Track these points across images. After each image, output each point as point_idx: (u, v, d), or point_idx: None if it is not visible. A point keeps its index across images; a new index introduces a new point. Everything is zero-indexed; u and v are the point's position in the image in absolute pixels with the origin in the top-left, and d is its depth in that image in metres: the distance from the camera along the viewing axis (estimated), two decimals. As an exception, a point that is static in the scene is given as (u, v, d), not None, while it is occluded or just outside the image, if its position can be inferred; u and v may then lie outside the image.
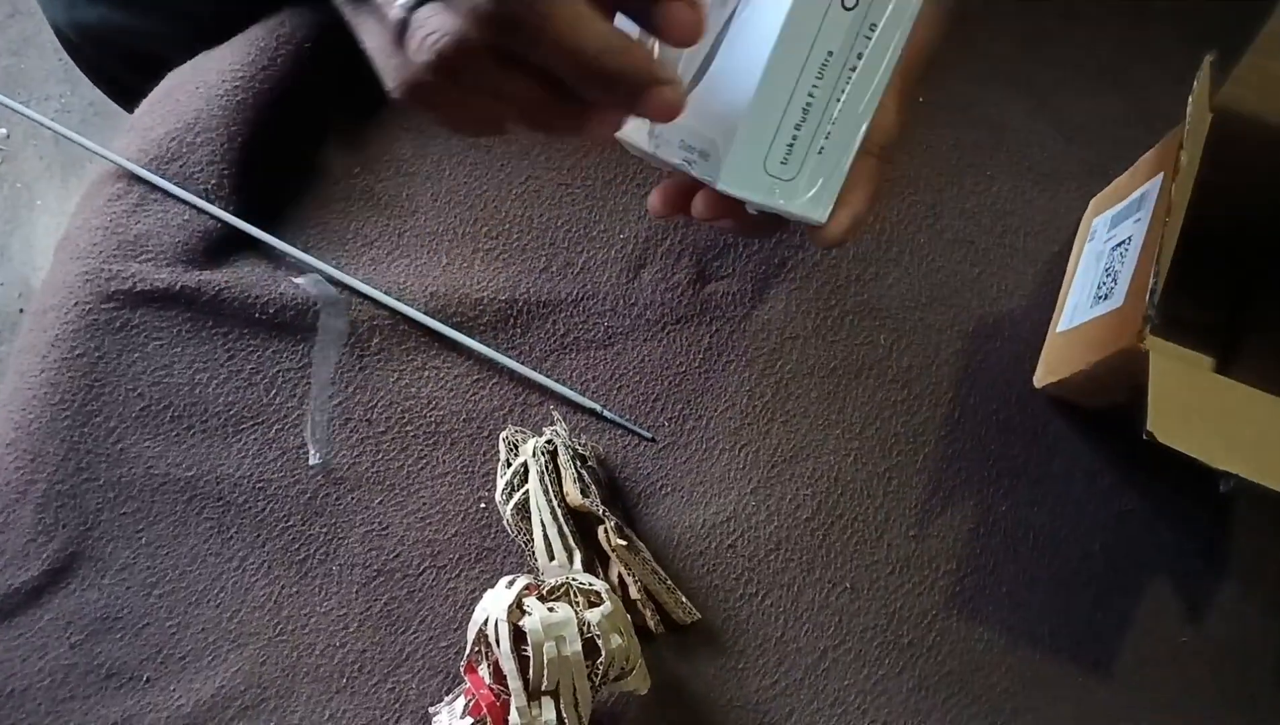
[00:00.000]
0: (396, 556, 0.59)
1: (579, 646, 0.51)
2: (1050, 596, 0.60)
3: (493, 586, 0.54)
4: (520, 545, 0.58)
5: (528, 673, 0.50)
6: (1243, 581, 0.61)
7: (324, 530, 0.59)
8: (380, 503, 0.60)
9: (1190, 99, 0.49)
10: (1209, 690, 0.59)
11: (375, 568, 0.59)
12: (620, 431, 0.62)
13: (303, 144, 0.65)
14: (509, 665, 0.50)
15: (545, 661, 0.50)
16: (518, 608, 0.51)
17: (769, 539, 0.60)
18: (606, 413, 0.61)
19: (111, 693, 0.56)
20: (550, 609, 0.51)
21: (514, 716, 0.50)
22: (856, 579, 0.60)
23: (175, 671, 0.57)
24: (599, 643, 0.51)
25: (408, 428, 0.61)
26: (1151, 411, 0.45)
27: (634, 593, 0.57)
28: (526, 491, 0.57)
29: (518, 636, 0.50)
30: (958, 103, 0.70)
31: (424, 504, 0.60)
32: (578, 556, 0.56)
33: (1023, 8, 0.72)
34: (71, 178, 1.33)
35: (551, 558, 0.56)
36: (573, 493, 0.56)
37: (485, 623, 0.51)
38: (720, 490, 0.61)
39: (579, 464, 0.57)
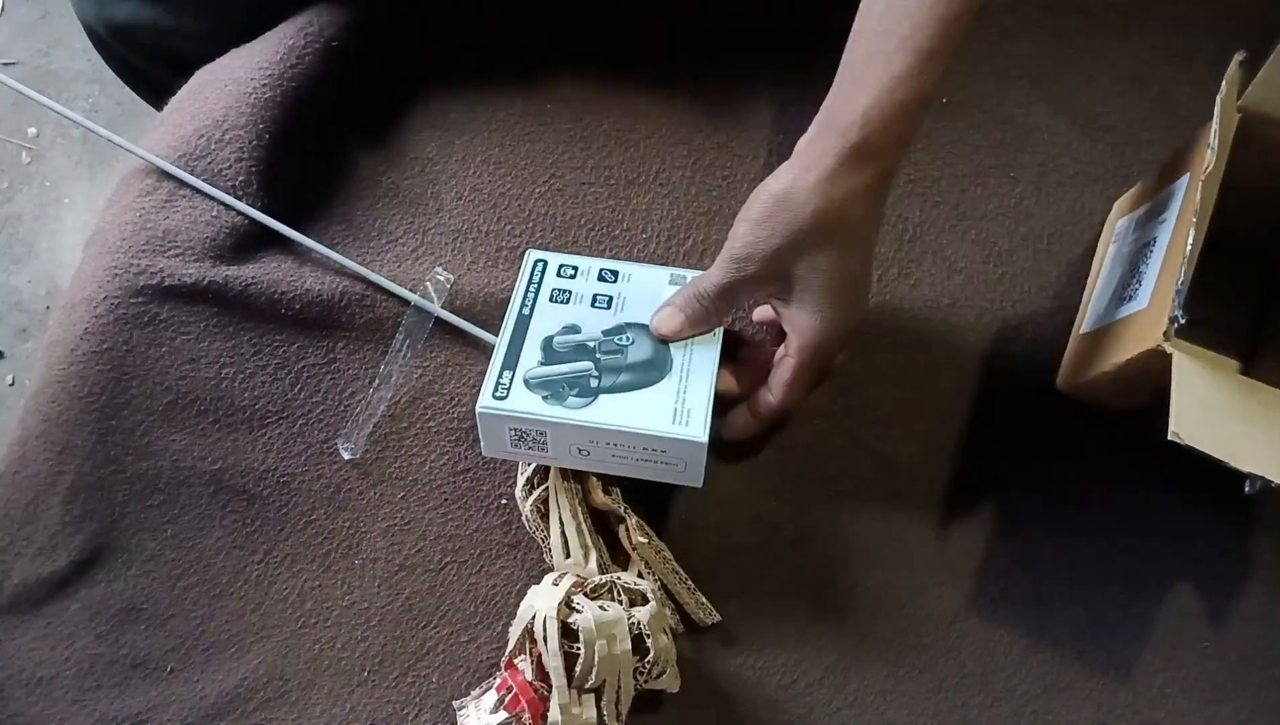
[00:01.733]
0: (418, 551, 0.60)
1: (629, 645, 0.51)
2: (1071, 599, 0.60)
3: (537, 583, 0.54)
4: (538, 541, 0.58)
5: (573, 670, 0.51)
6: (1266, 586, 0.60)
7: (347, 524, 0.60)
8: (403, 498, 0.60)
9: (1218, 98, 0.49)
10: (1231, 695, 0.59)
11: (397, 562, 0.59)
12: (641, 429, 0.62)
13: (329, 142, 0.66)
14: (555, 663, 0.50)
15: (596, 659, 0.50)
16: (567, 605, 0.51)
17: (790, 538, 0.60)
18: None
19: (136, 683, 0.57)
20: (601, 607, 0.51)
21: (554, 713, 0.51)
22: (877, 579, 0.60)
23: (199, 663, 0.58)
24: (647, 641, 0.52)
25: (430, 424, 0.61)
26: (1175, 413, 0.45)
27: (654, 588, 0.57)
28: (546, 488, 0.58)
29: (565, 633, 0.51)
30: (981, 103, 0.70)
31: (446, 499, 0.60)
32: (593, 556, 0.56)
33: (1047, 9, 0.72)
34: (100, 176, 1.35)
35: (567, 555, 0.56)
36: (595, 491, 0.57)
37: (533, 619, 0.51)
38: (741, 489, 0.61)
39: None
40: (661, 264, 0.63)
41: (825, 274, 0.53)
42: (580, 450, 0.55)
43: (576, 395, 0.54)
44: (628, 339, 0.57)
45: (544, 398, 0.54)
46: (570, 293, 0.59)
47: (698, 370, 0.56)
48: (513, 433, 0.54)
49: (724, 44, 0.71)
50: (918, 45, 0.48)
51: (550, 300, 0.59)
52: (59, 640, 0.57)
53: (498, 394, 0.54)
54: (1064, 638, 0.59)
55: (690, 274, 0.59)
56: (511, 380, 0.55)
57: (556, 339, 0.57)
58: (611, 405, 0.54)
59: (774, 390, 0.57)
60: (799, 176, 0.51)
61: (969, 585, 0.60)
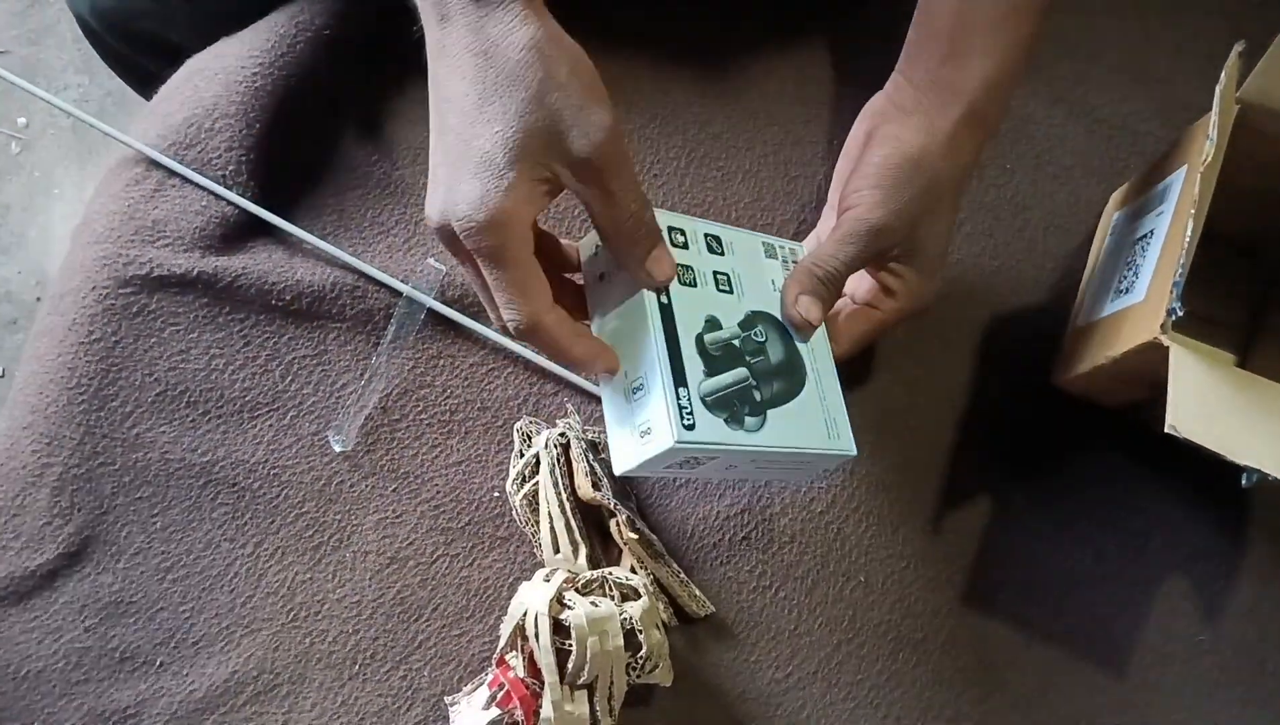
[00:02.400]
0: (410, 544, 0.59)
1: (621, 641, 0.51)
2: (1066, 593, 0.60)
3: (528, 579, 0.54)
4: (528, 535, 0.58)
5: (565, 666, 0.50)
6: (1260, 580, 0.60)
7: (338, 517, 0.59)
8: (394, 490, 0.60)
9: (1217, 90, 0.48)
10: (1225, 689, 0.59)
11: (389, 555, 0.59)
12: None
13: (321, 131, 0.65)
14: (547, 659, 0.50)
15: (589, 656, 0.50)
16: (558, 602, 0.51)
17: (783, 532, 0.60)
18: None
19: (125, 676, 0.57)
20: (593, 603, 0.51)
21: (546, 710, 0.50)
22: (871, 573, 0.60)
23: (188, 656, 0.57)
24: (640, 636, 0.51)
25: (422, 416, 0.61)
26: (1172, 405, 0.44)
27: (645, 583, 0.57)
28: (537, 483, 0.57)
29: (557, 630, 0.50)
30: (978, 96, 0.69)
31: (438, 492, 0.60)
32: (583, 551, 0.56)
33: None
34: (89, 166, 1.34)
35: (557, 550, 0.56)
36: (584, 485, 0.56)
37: (524, 616, 0.51)
38: (734, 483, 0.61)
39: (592, 456, 0.57)
40: (747, 228, 0.55)
41: (941, 238, 0.52)
42: (731, 467, 0.49)
43: (749, 413, 0.46)
44: (761, 335, 0.49)
45: (725, 420, 0.45)
46: (694, 272, 0.49)
47: (823, 367, 0.51)
48: (685, 461, 0.46)
49: (720, 34, 0.70)
50: (1020, 17, 0.50)
51: (679, 281, 0.48)
52: (46, 633, 0.57)
53: (686, 422, 0.44)
54: (1058, 631, 0.59)
55: (785, 243, 0.54)
56: (690, 400, 0.44)
57: (706, 337, 0.47)
58: (780, 423, 0.47)
59: (849, 341, 0.55)
60: (928, 140, 0.50)
61: (963, 579, 0.60)
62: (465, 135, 0.42)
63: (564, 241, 0.51)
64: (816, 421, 0.49)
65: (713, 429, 0.44)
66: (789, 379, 0.49)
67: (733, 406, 0.46)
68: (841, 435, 0.50)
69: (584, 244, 0.50)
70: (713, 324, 0.48)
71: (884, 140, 0.50)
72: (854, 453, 0.50)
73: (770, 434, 0.47)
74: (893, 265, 0.53)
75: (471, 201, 0.41)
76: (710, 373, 0.46)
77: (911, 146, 0.49)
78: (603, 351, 0.46)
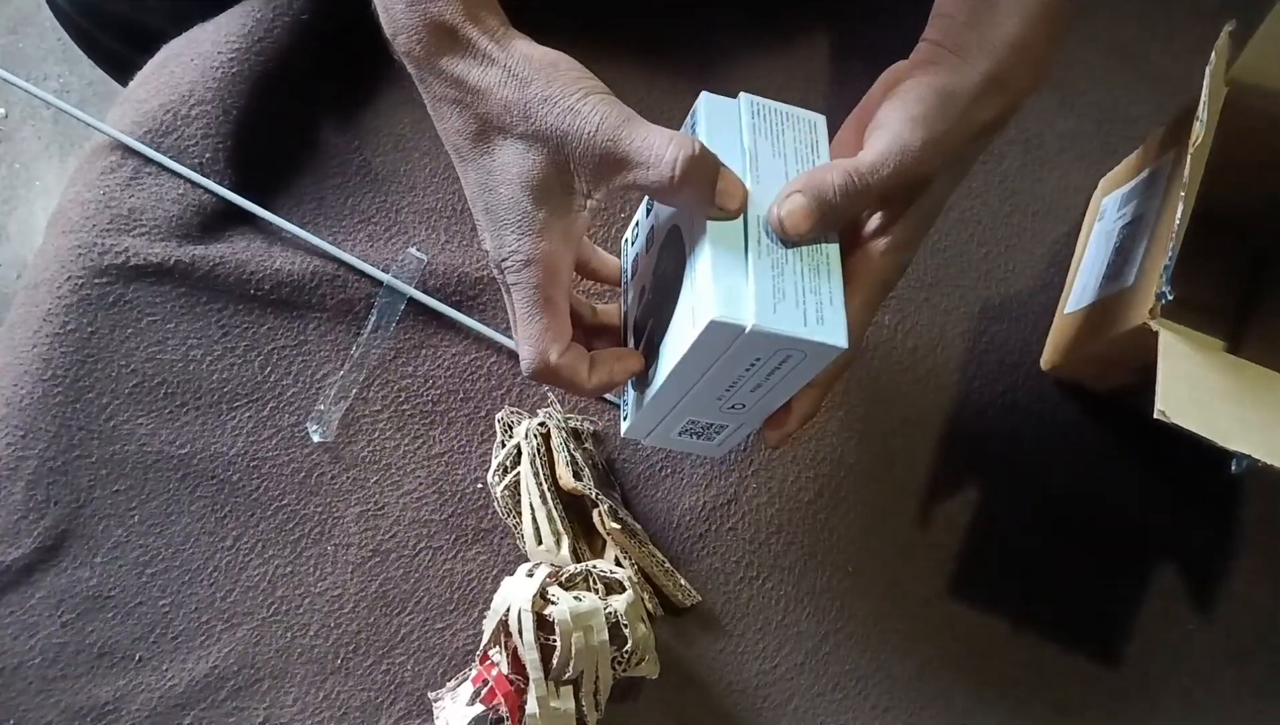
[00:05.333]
0: (392, 537, 0.58)
1: (606, 635, 0.50)
2: (1056, 581, 0.59)
3: (510, 574, 0.53)
4: (510, 527, 0.57)
5: (550, 662, 0.49)
6: (1251, 567, 0.60)
7: (319, 510, 0.59)
8: (376, 482, 0.59)
9: (1207, 70, 0.48)
10: (1216, 678, 0.58)
11: (371, 548, 0.58)
12: (620, 412, 0.61)
13: (299, 118, 0.64)
14: (531, 655, 0.49)
15: (573, 651, 0.49)
16: (542, 597, 0.50)
17: (770, 522, 0.60)
18: (606, 393, 0.60)
19: (103, 672, 0.56)
20: (577, 598, 0.50)
21: (531, 706, 0.50)
22: (859, 563, 0.59)
23: (168, 651, 0.56)
24: (625, 630, 0.51)
25: (404, 407, 0.60)
26: (1161, 390, 0.44)
27: (630, 576, 0.56)
28: (519, 473, 0.56)
29: (541, 625, 0.50)
30: (966, 80, 0.68)
31: (420, 484, 0.59)
32: (565, 541, 0.55)
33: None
34: (70, 157, 1.32)
35: (539, 542, 0.55)
36: (565, 475, 0.55)
37: (507, 612, 0.50)
38: (721, 472, 0.60)
39: (573, 446, 0.56)
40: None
41: (940, 197, 0.45)
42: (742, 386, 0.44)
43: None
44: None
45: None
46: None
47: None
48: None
49: (705, 18, 0.69)
50: None
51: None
52: (22, 629, 0.56)
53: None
54: (1048, 620, 0.59)
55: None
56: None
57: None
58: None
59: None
60: (958, 81, 0.43)
61: (952, 568, 0.60)
62: (487, 184, 0.43)
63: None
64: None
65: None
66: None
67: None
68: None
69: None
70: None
71: (912, 82, 0.44)
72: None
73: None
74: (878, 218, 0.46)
75: (515, 250, 0.43)
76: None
77: (945, 82, 0.43)
78: (615, 377, 0.47)
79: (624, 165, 0.41)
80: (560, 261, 0.44)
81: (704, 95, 0.45)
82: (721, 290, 0.40)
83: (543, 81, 0.41)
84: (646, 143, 0.40)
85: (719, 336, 0.40)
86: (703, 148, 0.40)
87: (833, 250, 0.42)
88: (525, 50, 0.42)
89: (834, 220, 0.42)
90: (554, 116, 0.40)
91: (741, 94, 0.45)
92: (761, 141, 0.44)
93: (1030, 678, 0.58)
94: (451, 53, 0.42)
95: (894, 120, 0.42)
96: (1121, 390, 0.59)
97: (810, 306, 0.41)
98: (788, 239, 0.41)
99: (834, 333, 0.40)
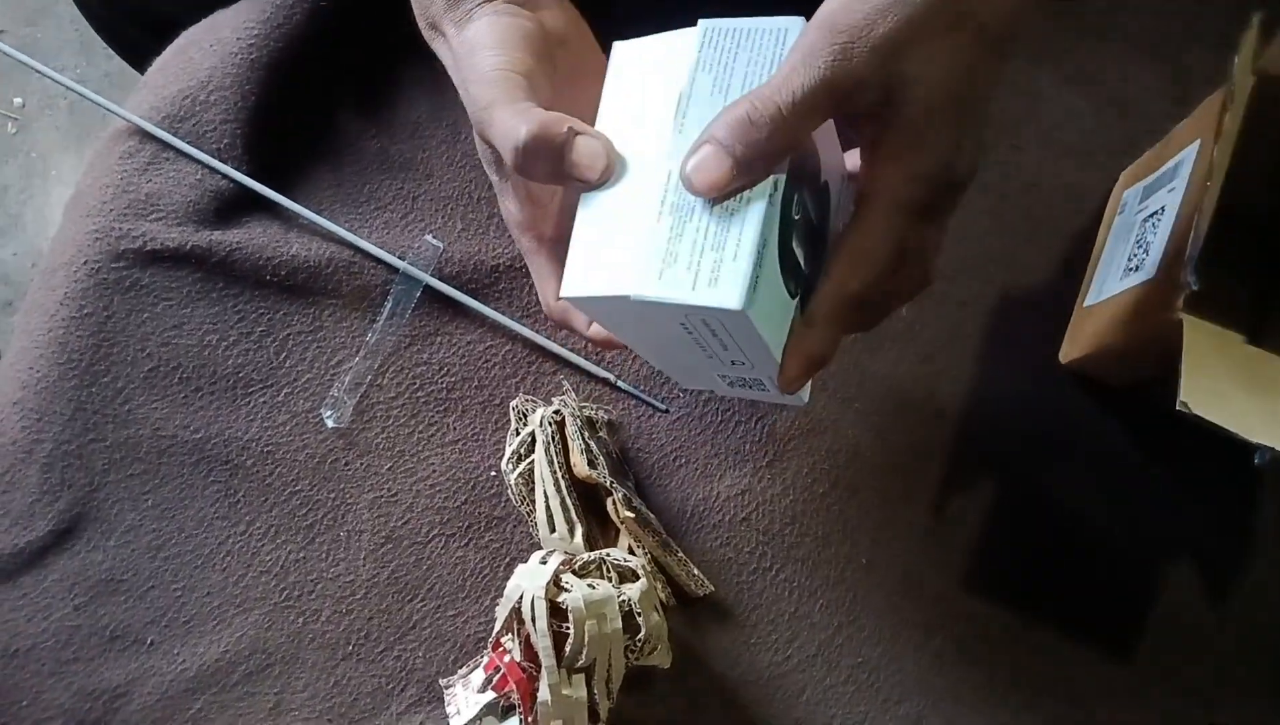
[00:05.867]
0: (405, 523, 0.58)
1: (619, 623, 0.50)
2: (1071, 575, 0.59)
3: (524, 562, 0.53)
4: (524, 515, 0.57)
5: (562, 650, 0.49)
6: (1269, 563, 0.59)
7: (332, 496, 0.59)
8: (390, 469, 0.59)
9: (1236, 59, 0.47)
10: (1231, 673, 0.58)
11: (384, 534, 0.58)
12: (634, 401, 0.61)
13: (317, 104, 0.64)
14: (544, 643, 0.49)
15: (586, 639, 0.49)
16: (555, 584, 0.50)
17: (784, 513, 0.59)
18: (620, 382, 0.60)
19: (115, 655, 0.56)
20: (591, 586, 0.50)
21: (543, 693, 0.50)
22: (873, 555, 0.59)
23: (179, 635, 0.56)
24: (638, 619, 0.50)
25: (418, 394, 0.60)
26: (1185, 382, 0.43)
27: (643, 564, 0.56)
28: (533, 461, 0.56)
29: (554, 613, 0.49)
30: (985, 73, 0.68)
31: (434, 471, 0.59)
32: (579, 530, 0.55)
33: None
34: (86, 148, 1.32)
35: (553, 530, 0.55)
36: (579, 464, 0.55)
37: (520, 599, 0.50)
38: (735, 463, 0.60)
39: (587, 434, 0.56)
40: None
41: (943, 76, 0.36)
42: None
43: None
44: None
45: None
46: None
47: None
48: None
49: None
50: None
51: None
52: (36, 611, 0.56)
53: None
54: (1063, 614, 0.58)
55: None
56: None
57: None
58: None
59: (838, 269, 0.39)
60: None
61: (966, 560, 0.59)
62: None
63: None
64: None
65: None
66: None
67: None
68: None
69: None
70: None
71: None
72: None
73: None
74: (863, 132, 0.39)
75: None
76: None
77: None
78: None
79: (498, 151, 0.40)
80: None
81: (615, 45, 0.41)
82: (607, 259, 0.38)
83: (465, 68, 0.42)
84: (498, 127, 0.39)
85: (617, 306, 0.38)
86: (540, 123, 0.38)
87: (760, 193, 0.36)
88: (469, 34, 0.42)
89: (759, 164, 0.36)
90: (465, 105, 0.42)
91: (701, 21, 0.39)
92: (703, 77, 0.38)
93: (1044, 672, 0.58)
94: (434, 41, 0.45)
95: (808, 27, 0.36)
96: (1140, 384, 0.59)
97: (706, 265, 0.36)
98: (707, 197, 0.36)
99: (724, 294, 0.35)
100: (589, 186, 0.39)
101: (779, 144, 0.36)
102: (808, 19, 0.37)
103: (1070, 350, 0.61)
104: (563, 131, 0.38)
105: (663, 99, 0.39)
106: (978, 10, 0.36)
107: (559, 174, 0.39)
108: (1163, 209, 0.53)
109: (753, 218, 0.36)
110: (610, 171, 0.39)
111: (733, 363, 0.42)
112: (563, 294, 0.39)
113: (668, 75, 0.39)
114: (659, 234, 0.37)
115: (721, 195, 0.36)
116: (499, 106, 0.39)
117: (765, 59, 0.37)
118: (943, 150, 0.38)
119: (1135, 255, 0.55)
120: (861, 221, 0.39)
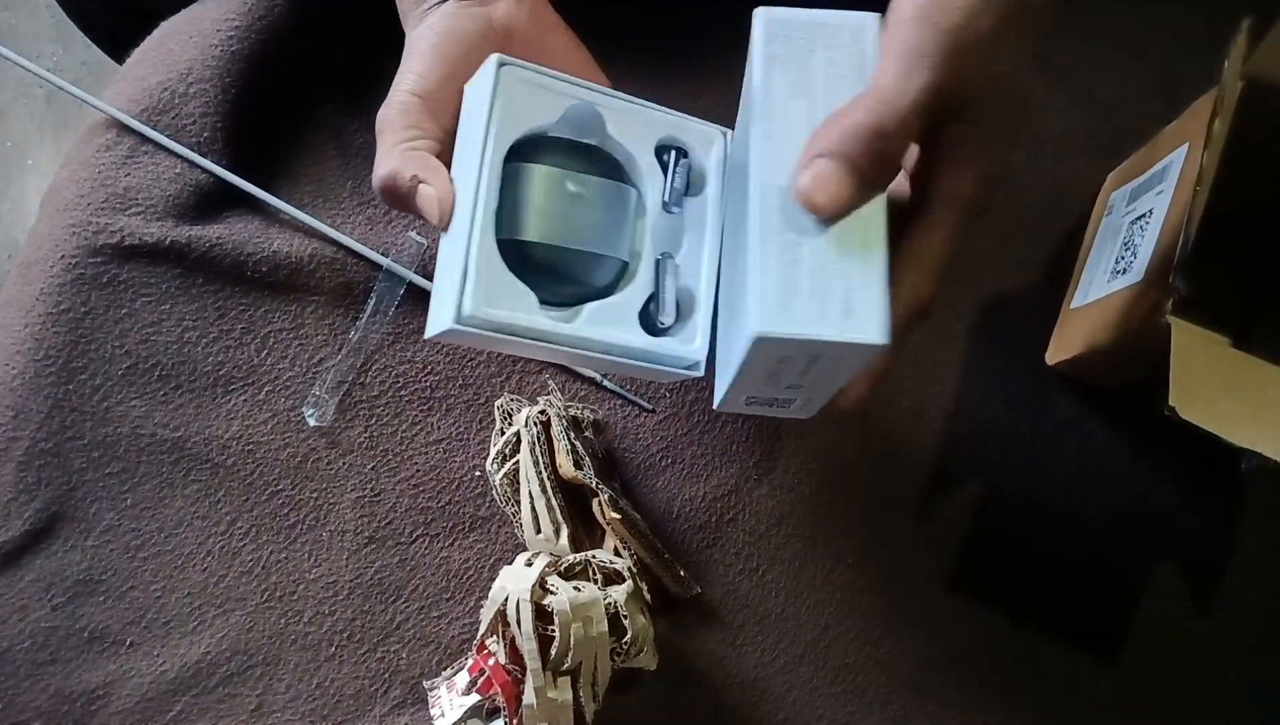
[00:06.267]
0: (388, 523, 0.58)
1: (605, 626, 0.49)
2: (1057, 579, 0.59)
3: (509, 563, 0.52)
4: (509, 515, 0.57)
5: (548, 652, 0.49)
6: (1252, 570, 0.59)
7: (314, 495, 0.58)
8: (373, 468, 0.58)
9: (1226, 62, 0.47)
10: (1216, 679, 0.58)
11: (366, 534, 0.57)
12: (620, 401, 0.60)
13: (299, 97, 0.63)
14: (529, 646, 0.49)
15: (572, 642, 0.48)
16: (541, 587, 0.49)
17: (771, 514, 0.59)
18: (606, 382, 0.60)
19: (93, 656, 0.55)
20: (576, 588, 0.50)
21: (529, 696, 0.49)
22: (859, 556, 0.59)
23: (159, 636, 0.56)
24: (624, 621, 0.50)
25: (402, 392, 0.59)
26: (1173, 386, 0.43)
27: (629, 566, 0.56)
28: (518, 461, 0.56)
29: (539, 615, 0.49)
30: (973, 72, 0.68)
31: (418, 471, 0.58)
32: (564, 531, 0.54)
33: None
34: (63, 138, 1.31)
35: (538, 531, 0.55)
36: (565, 464, 0.55)
37: (505, 601, 0.49)
38: (722, 463, 0.60)
39: (573, 434, 0.56)
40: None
41: (1011, 72, 0.35)
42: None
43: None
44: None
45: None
46: None
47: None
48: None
49: (699, 32, 0.69)
50: None
51: None
52: (12, 612, 0.55)
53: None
54: (1049, 616, 0.58)
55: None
56: None
57: None
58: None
59: (912, 277, 0.38)
60: None
61: (952, 563, 0.59)
62: None
63: None
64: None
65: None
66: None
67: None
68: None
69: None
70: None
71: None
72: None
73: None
74: (940, 135, 0.37)
75: None
76: None
77: None
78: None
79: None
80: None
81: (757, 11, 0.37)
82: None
83: (398, 74, 0.45)
84: (378, 152, 0.44)
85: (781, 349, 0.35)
86: (393, 170, 0.42)
87: (874, 209, 0.33)
88: (414, 36, 0.46)
89: (879, 175, 0.33)
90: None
91: (758, 11, 0.36)
92: (778, 76, 0.35)
93: (1029, 674, 0.58)
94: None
95: (904, 21, 0.34)
96: (1125, 386, 0.59)
97: (835, 296, 0.33)
98: (826, 217, 0.33)
99: (866, 327, 0.32)
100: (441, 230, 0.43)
101: (901, 152, 0.34)
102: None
103: (1057, 352, 0.61)
104: (407, 180, 0.42)
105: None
106: (1029, 19, 0.35)
107: (410, 210, 0.43)
108: (1150, 212, 0.53)
109: (877, 239, 0.33)
110: (446, 218, 0.42)
111: (788, 387, 0.39)
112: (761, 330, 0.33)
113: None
114: (768, 264, 0.33)
115: (845, 213, 0.33)
116: (385, 134, 0.44)
117: (847, 59, 0.35)
118: (1008, 150, 0.37)
119: (1123, 257, 0.55)
120: (936, 228, 0.37)
